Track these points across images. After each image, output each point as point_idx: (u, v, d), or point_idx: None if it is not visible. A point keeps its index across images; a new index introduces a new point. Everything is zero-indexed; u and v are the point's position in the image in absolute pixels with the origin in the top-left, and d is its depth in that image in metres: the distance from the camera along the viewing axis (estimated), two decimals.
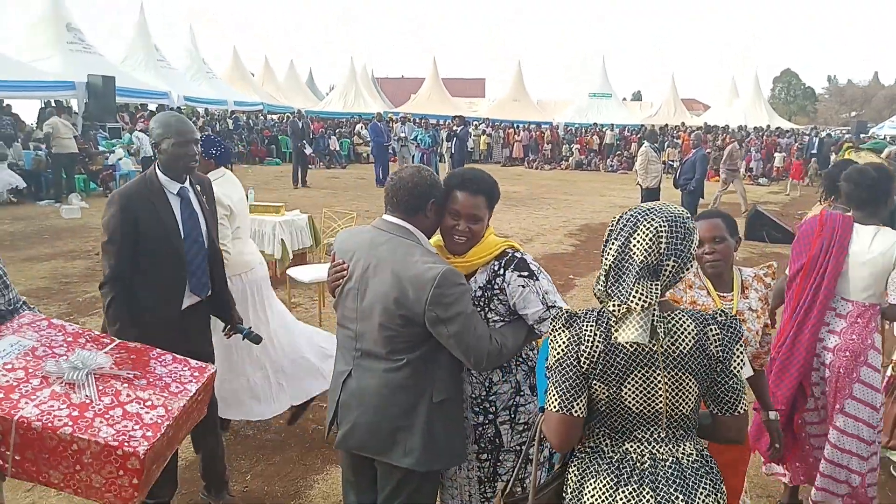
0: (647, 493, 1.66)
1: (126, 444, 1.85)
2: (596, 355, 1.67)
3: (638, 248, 1.63)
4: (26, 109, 18.53)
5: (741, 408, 1.72)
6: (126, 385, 2.06)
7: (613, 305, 1.65)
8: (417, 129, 19.22)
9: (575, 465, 1.81)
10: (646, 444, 1.72)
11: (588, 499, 1.73)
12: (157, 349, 2.32)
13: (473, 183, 2.24)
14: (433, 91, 34.52)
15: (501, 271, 2.22)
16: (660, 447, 1.71)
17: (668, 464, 1.70)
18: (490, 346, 2.09)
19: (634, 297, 1.61)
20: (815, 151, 23.01)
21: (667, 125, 28.49)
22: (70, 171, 13.17)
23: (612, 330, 1.66)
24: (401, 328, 2.09)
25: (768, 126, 29.12)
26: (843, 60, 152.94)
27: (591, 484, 1.73)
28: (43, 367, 2.01)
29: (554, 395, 1.71)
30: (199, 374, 2.25)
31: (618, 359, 1.66)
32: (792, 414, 3.17)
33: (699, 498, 1.67)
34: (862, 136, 22.79)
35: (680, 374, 1.67)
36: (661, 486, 1.67)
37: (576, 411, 1.69)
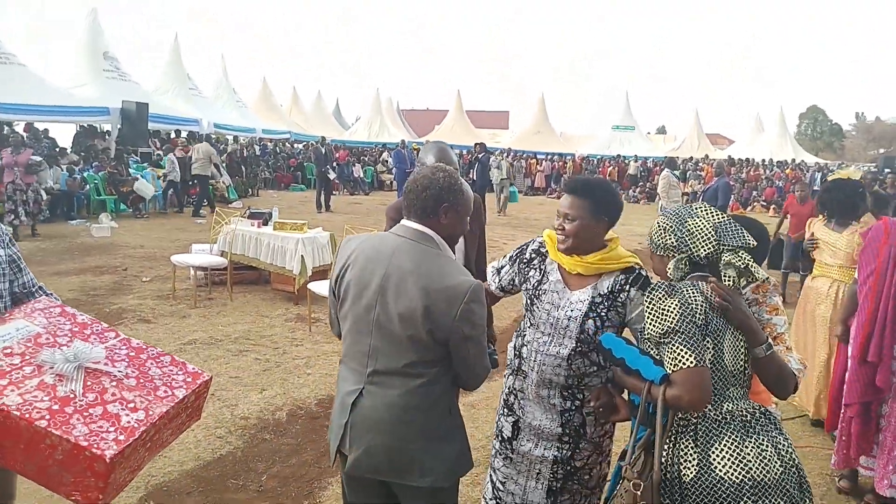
0: (765, 440, 1.86)
1: (95, 445, 1.78)
2: (704, 312, 1.88)
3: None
4: (62, 133, 19.09)
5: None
6: (114, 383, 1.99)
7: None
8: None
9: (689, 439, 1.89)
10: (736, 402, 1.91)
11: (719, 461, 1.83)
12: (160, 349, 2.24)
13: (580, 187, 2.34)
14: (457, 123, 34.96)
15: (627, 287, 2.28)
16: (744, 404, 1.92)
17: (756, 416, 1.91)
18: (488, 363, 2.09)
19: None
20: (817, 189, 22.38)
21: (690, 158, 28.45)
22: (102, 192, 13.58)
23: (706, 294, 1.91)
24: (425, 343, 1.95)
25: (793, 160, 28.93)
26: (871, 97, 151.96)
27: (717, 447, 1.84)
28: (39, 354, 1.98)
29: (685, 352, 1.82)
30: (192, 379, 2.15)
31: (717, 317, 1.90)
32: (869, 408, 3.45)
33: (788, 437, 1.94)
34: (887, 171, 22.47)
35: (738, 332, 1.93)
36: (767, 432, 1.89)
37: (707, 361, 1.85)
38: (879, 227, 3.49)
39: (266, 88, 32.87)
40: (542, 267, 2.42)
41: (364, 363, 2.03)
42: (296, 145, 28.39)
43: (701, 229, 1.99)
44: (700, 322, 1.86)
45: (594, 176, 2.55)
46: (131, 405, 1.94)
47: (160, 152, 17.58)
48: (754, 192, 24.30)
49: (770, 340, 1.99)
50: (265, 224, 7.90)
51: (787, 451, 1.88)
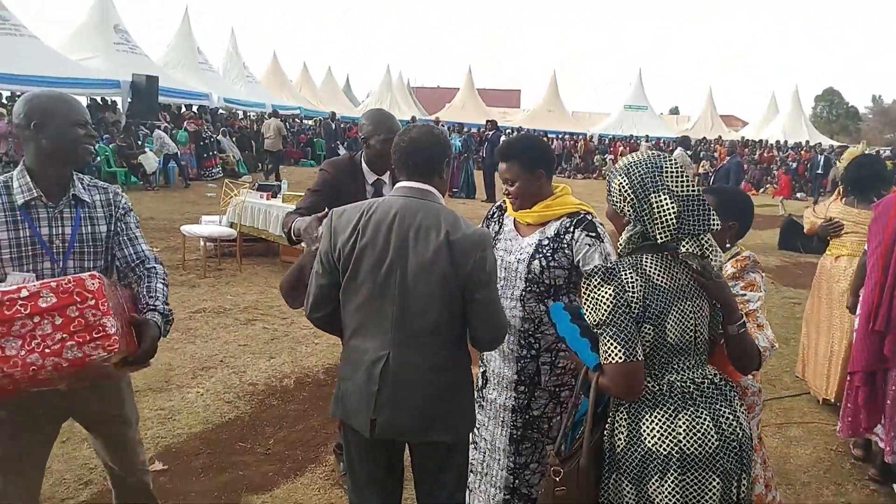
0: (703, 412, 1.81)
1: None
2: (642, 298, 1.79)
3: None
4: None
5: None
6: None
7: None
8: (452, 134, 19.30)
9: (623, 410, 1.87)
10: (683, 372, 1.85)
11: (648, 432, 1.80)
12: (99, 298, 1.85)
13: (506, 151, 2.53)
14: (468, 100, 34.74)
15: (572, 229, 2.43)
16: (694, 373, 1.87)
17: (705, 386, 1.86)
18: (505, 318, 2.11)
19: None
20: (820, 171, 21.08)
21: (703, 138, 28.19)
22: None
23: (648, 273, 1.82)
24: (450, 296, 1.98)
25: (807, 142, 28.61)
26: (889, 81, 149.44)
27: (647, 418, 1.82)
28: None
29: (616, 347, 1.76)
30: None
31: (659, 298, 1.80)
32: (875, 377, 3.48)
33: (738, 409, 1.88)
34: None
35: (700, 301, 1.87)
36: (709, 405, 1.83)
37: (639, 355, 1.78)
38: (890, 199, 3.52)
39: (276, 63, 32.70)
40: (500, 220, 2.66)
41: (387, 329, 2.01)
42: (305, 121, 28.30)
43: (663, 212, 1.79)
44: (636, 310, 1.78)
45: (520, 134, 2.79)
46: None
47: (168, 125, 17.58)
48: (766, 176, 24.08)
49: (744, 319, 1.94)
50: (274, 196, 7.91)
51: (731, 424, 1.82)
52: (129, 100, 17.13)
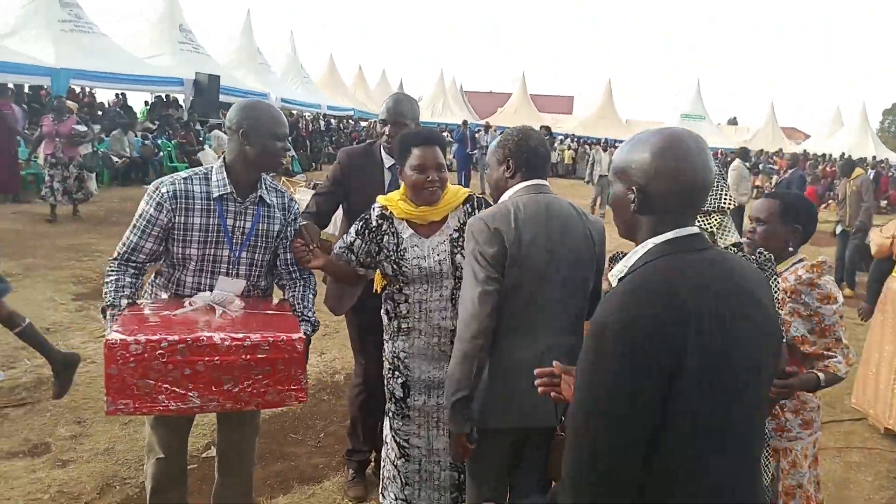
0: None
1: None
2: None
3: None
4: (132, 102, 19.85)
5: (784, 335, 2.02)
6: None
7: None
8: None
9: None
10: None
11: None
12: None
13: (429, 137, 2.43)
14: (520, 106, 34.63)
15: (473, 212, 2.43)
16: None
17: None
18: None
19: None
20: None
21: (762, 150, 27.41)
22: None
23: None
24: (589, 282, 2.14)
25: (874, 157, 27.50)
26: None
27: None
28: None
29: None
30: (275, 334, 2.05)
31: None
32: None
33: None
34: None
35: None
36: None
37: None
38: None
39: (332, 66, 33.24)
40: (393, 229, 2.46)
41: (549, 321, 2.07)
42: (359, 122, 28.69)
43: None
44: None
45: (423, 128, 2.67)
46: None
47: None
48: (829, 192, 23.23)
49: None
50: None
51: None
52: (192, 97, 17.69)
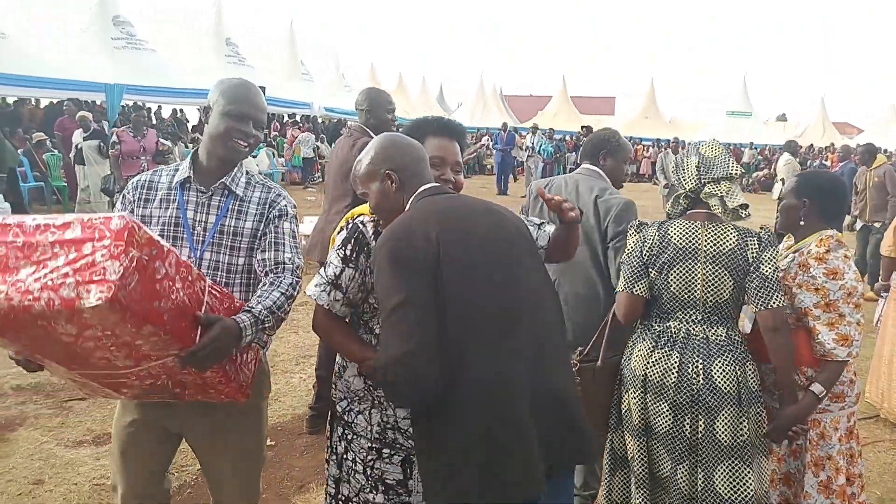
0: (675, 355, 2.25)
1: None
2: (653, 249, 2.32)
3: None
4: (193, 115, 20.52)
5: (774, 302, 2.14)
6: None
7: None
8: (543, 139, 19.16)
9: (631, 338, 2.43)
10: (684, 322, 2.28)
11: (633, 358, 2.36)
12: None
13: (451, 127, 1.99)
14: (561, 108, 34.39)
15: None
16: (695, 327, 2.27)
17: (698, 338, 2.25)
18: None
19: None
20: None
21: (811, 146, 26.60)
22: None
23: (669, 233, 2.30)
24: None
25: None
26: None
27: (637, 348, 2.36)
28: None
29: (622, 279, 2.39)
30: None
31: (669, 252, 2.27)
32: None
33: (716, 364, 2.20)
34: None
35: (718, 269, 2.22)
36: (686, 351, 2.24)
37: (636, 290, 2.33)
38: None
39: (373, 74, 33.74)
40: (369, 250, 1.88)
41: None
42: (400, 129, 28.94)
43: (687, 166, 2.34)
44: (646, 257, 2.32)
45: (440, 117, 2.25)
46: None
47: (275, 133, 18.50)
48: None
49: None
50: None
51: (694, 369, 2.20)
52: None
